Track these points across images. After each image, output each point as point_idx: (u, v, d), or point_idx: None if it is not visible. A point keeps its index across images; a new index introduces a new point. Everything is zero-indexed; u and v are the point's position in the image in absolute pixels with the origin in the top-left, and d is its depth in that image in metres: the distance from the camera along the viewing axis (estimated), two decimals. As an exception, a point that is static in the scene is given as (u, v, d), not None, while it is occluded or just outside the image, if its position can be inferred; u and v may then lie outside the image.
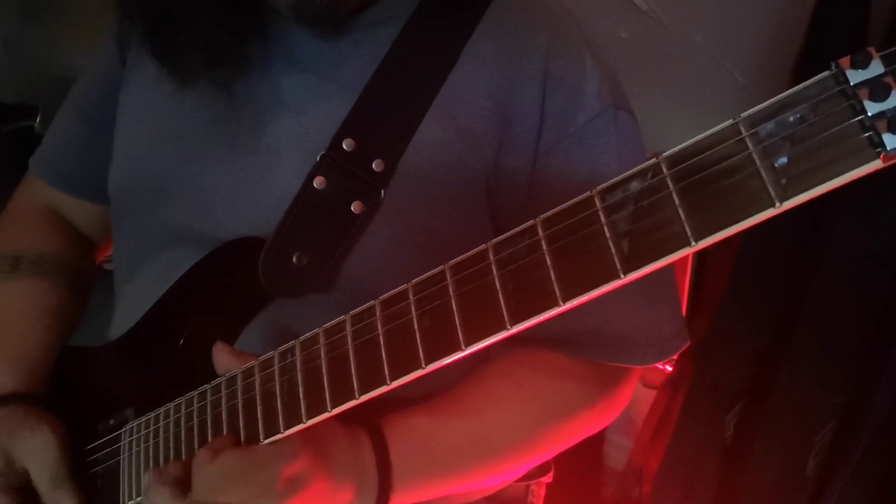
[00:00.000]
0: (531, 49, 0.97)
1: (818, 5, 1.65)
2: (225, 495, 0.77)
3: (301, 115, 0.97)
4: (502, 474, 0.99)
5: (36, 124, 1.82)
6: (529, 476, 1.12)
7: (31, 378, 1.06)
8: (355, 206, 0.91)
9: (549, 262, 0.61)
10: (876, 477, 1.44)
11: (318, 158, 0.92)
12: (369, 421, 0.88)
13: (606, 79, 0.99)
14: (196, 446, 0.87)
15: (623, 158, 0.96)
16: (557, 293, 0.60)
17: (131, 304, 1.04)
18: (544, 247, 0.62)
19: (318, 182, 0.91)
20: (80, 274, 1.21)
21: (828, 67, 0.50)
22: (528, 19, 1.00)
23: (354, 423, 0.87)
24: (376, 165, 0.92)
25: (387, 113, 0.95)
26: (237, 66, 1.00)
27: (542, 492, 1.17)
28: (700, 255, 1.83)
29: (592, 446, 1.97)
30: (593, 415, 0.99)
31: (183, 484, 0.81)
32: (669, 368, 1.82)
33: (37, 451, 0.97)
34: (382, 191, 0.92)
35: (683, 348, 1.00)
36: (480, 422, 0.94)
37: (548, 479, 1.17)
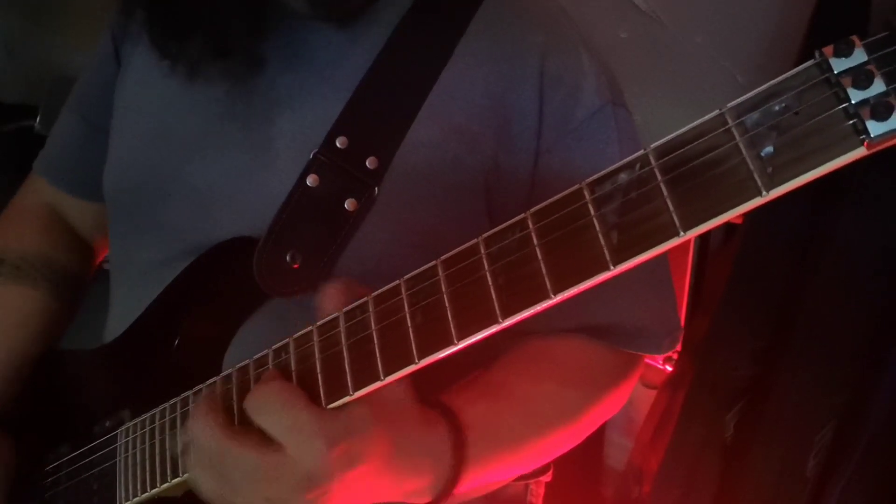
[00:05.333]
0: (528, 48, 0.97)
1: (818, 5, 1.65)
2: (270, 417, 0.71)
3: (296, 113, 0.97)
4: (548, 454, 0.99)
5: (36, 124, 1.82)
6: (529, 475, 1.12)
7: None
8: (349, 204, 0.91)
9: (539, 256, 0.61)
10: (876, 477, 1.44)
11: (310, 156, 0.92)
12: (439, 403, 0.85)
13: (604, 76, 1.00)
14: None
15: (626, 154, 0.97)
16: (548, 286, 0.60)
17: (126, 304, 1.04)
18: (535, 240, 0.62)
19: (311, 180, 0.91)
20: (69, 278, 1.21)
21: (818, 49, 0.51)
22: (524, 18, 1.00)
23: (425, 404, 0.84)
24: (370, 163, 0.92)
25: (380, 111, 0.95)
26: (247, 60, 0.99)
27: (542, 491, 1.17)
28: (700, 255, 1.83)
29: (592, 446, 1.97)
30: (616, 397, 1.01)
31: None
32: (669, 368, 1.83)
33: None
34: (376, 188, 0.92)
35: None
36: (529, 402, 0.93)
37: (547, 478, 1.17)
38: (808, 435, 1.51)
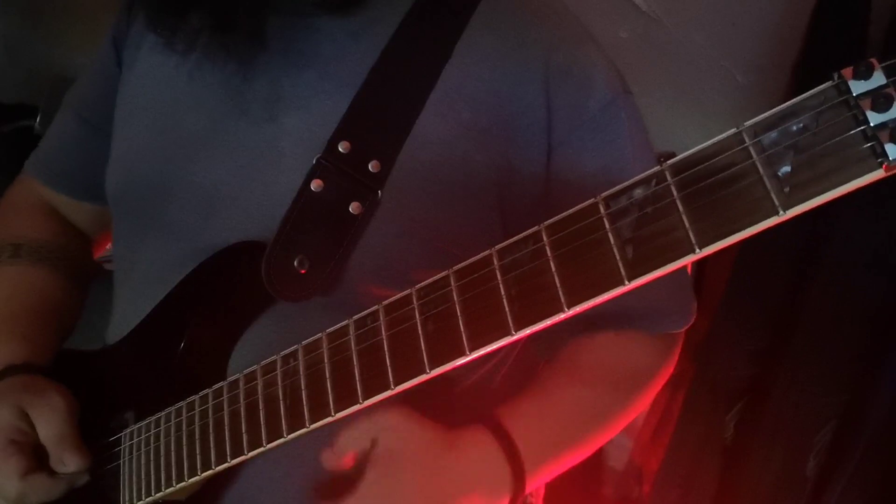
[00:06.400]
0: (533, 42, 0.97)
1: (818, 5, 1.65)
2: None
3: (301, 111, 0.97)
4: (603, 442, 1.01)
5: (36, 124, 1.81)
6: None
7: (39, 354, 1.07)
8: (353, 207, 0.91)
9: (553, 268, 0.61)
10: (876, 477, 1.45)
11: (314, 161, 0.92)
12: (485, 416, 0.89)
13: (612, 66, 1.00)
14: (198, 451, 0.87)
15: (636, 143, 0.98)
16: (562, 299, 0.61)
17: (130, 305, 1.04)
18: (549, 253, 0.62)
19: (315, 185, 0.91)
20: (78, 265, 1.22)
21: (827, 68, 0.51)
22: (528, 13, 1.00)
23: (471, 421, 0.88)
24: (372, 167, 0.92)
25: (383, 111, 0.94)
26: (250, 37, 0.98)
27: (542, 491, 1.17)
28: (701, 255, 1.83)
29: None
30: (661, 377, 1.04)
31: None
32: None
33: (46, 410, 0.97)
34: (379, 191, 0.92)
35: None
36: (579, 403, 0.97)
37: (547, 478, 1.17)
38: (808, 435, 1.52)
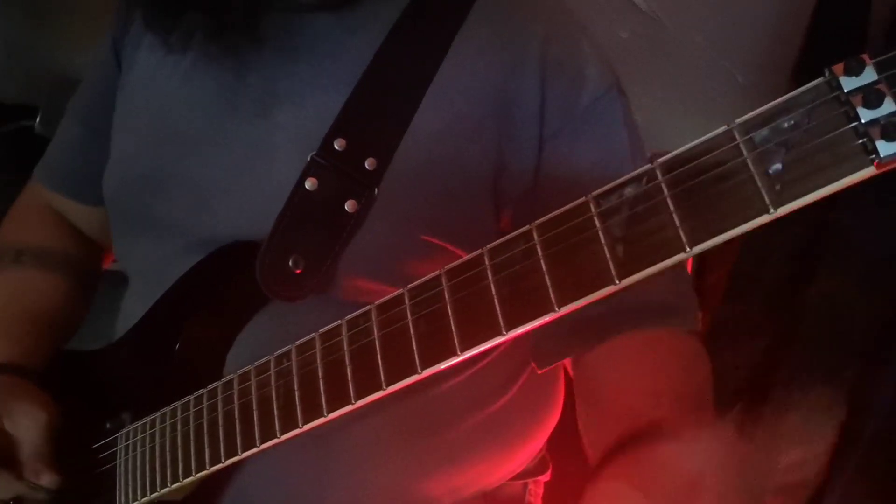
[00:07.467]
0: (528, 36, 0.97)
1: (818, 5, 1.65)
2: None
3: (296, 108, 0.96)
4: None
5: (36, 124, 1.81)
6: (527, 474, 1.12)
7: (29, 356, 1.07)
8: (349, 205, 0.90)
9: (544, 268, 0.61)
10: (877, 475, 1.44)
11: (308, 159, 0.92)
12: None
13: (605, 60, 1.00)
14: (192, 451, 0.87)
15: (632, 135, 0.97)
16: (553, 299, 0.60)
17: (130, 304, 1.05)
18: (539, 252, 0.62)
19: (309, 183, 0.91)
20: (83, 271, 1.22)
21: (828, 67, 0.50)
22: (522, 7, 1.01)
23: None
24: (368, 164, 0.91)
25: (380, 108, 0.94)
26: (246, 35, 0.98)
27: (540, 491, 1.17)
28: (700, 254, 1.83)
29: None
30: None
31: None
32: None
33: (28, 420, 0.98)
34: (375, 189, 0.92)
35: None
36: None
37: (546, 477, 1.16)
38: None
